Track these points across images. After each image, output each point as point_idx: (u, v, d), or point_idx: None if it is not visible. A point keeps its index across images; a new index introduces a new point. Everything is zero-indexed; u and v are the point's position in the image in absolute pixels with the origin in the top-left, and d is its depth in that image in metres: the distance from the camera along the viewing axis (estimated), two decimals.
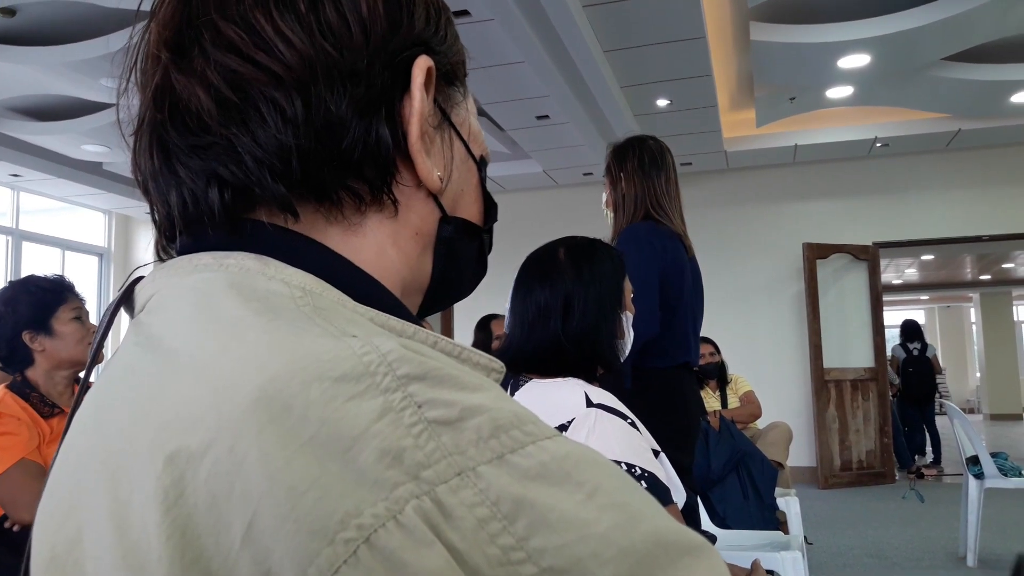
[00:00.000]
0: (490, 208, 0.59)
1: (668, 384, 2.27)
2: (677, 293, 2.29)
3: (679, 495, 1.42)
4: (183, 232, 0.49)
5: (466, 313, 6.66)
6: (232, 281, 0.43)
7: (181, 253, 0.48)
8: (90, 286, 8.73)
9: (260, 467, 0.32)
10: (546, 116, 6.06)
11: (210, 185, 0.46)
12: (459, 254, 0.56)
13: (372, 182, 0.48)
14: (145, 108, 0.49)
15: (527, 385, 1.47)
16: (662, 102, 6.08)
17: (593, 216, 7.18)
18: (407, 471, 0.32)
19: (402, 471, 0.32)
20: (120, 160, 7.16)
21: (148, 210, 0.51)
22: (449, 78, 0.54)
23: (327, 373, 0.34)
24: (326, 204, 0.48)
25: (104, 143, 6.60)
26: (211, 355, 0.37)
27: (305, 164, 0.46)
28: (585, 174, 7.77)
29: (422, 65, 0.50)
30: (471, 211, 0.57)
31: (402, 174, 0.50)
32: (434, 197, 0.52)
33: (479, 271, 0.60)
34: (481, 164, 0.58)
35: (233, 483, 0.32)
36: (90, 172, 7.35)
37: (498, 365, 0.45)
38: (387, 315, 0.44)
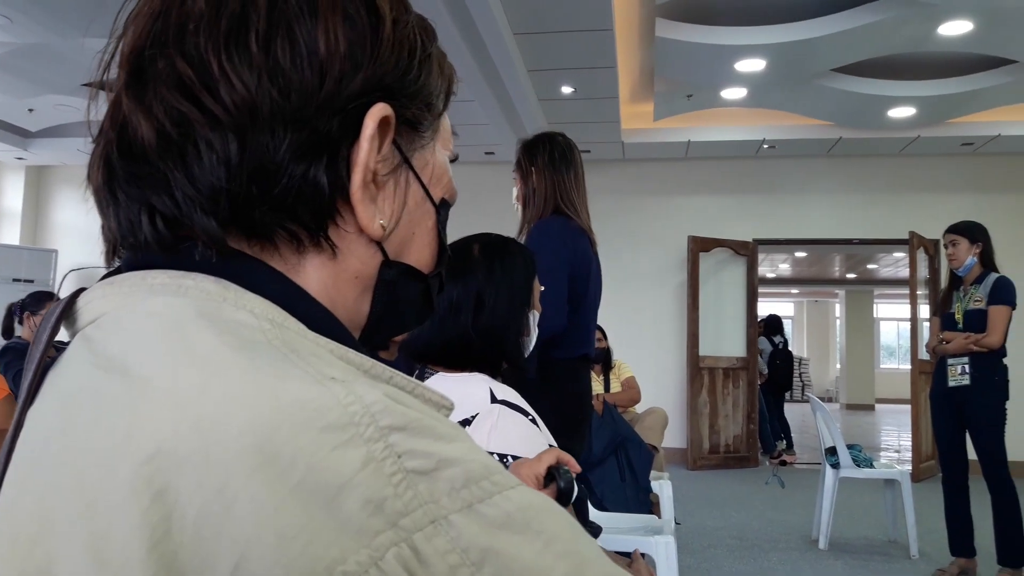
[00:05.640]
0: (443, 253, 0.58)
1: (569, 375, 2.34)
2: (583, 288, 2.36)
3: (573, 491, 1.48)
4: (128, 248, 0.48)
5: None
6: (200, 309, 0.42)
7: (129, 268, 0.47)
8: None
9: (250, 511, 0.33)
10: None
11: (143, 213, 0.46)
12: (399, 297, 0.55)
13: (308, 226, 0.48)
14: (105, 119, 0.48)
15: (433, 378, 1.49)
16: (567, 89, 6.16)
17: (492, 194, 7.20)
18: (387, 519, 0.34)
19: (383, 519, 0.34)
20: None
21: None
22: (414, 123, 0.53)
23: (314, 422, 0.36)
24: (263, 243, 0.47)
25: None
26: (193, 390, 0.37)
27: (235, 205, 0.45)
28: (487, 153, 7.78)
29: (376, 115, 0.48)
30: (421, 255, 0.56)
31: (344, 218, 0.49)
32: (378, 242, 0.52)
33: (424, 311, 0.59)
34: (442, 207, 0.57)
35: (222, 525, 0.33)
36: None
37: (448, 403, 0.47)
38: (345, 348, 0.44)
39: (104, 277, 0.48)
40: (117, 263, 0.50)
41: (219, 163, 0.45)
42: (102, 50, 0.49)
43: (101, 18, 0.50)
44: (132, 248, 0.47)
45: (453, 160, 0.61)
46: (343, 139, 0.47)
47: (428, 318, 0.60)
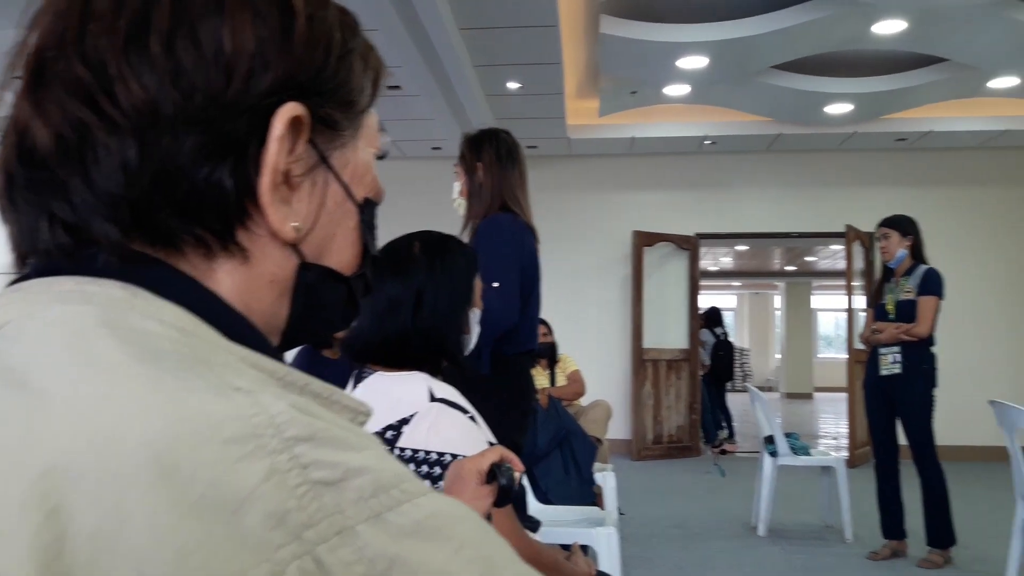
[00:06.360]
0: (366, 253, 0.57)
1: (516, 370, 2.39)
2: (531, 283, 2.40)
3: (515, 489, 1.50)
4: (33, 255, 0.47)
5: None
6: (104, 318, 0.40)
7: (38, 273, 0.45)
8: None
9: (146, 527, 0.32)
10: (397, 87, 6.01)
11: (42, 220, 0.45)
12: (320, 299, 0.54)
13: (215, 231, 0.46)
14: (8, 122, 0.46)
15: (371, 377, 1.48)
16: (512, 85, 6.18)
17: (439, 190, 7.16)
18: (290, 532, 0.34)
19: (285, 532, 0.34)
20: None
21: None
22: (331, 121, 0.51)
23: (216, 435, 0.35)
24: (169, 249, 0.46)
25: None
26: (91, 403, 0.36)
27: (136, 210, 0.44)
28: (434, 148, 7.76)
29: (284, 115, 0.47)
30: (342, 256, 0.54)
31: (256, 221, 0.47)
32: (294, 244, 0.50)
33: (349, 313, 0.57)
34: (366, 206, 0.56)
35: (118, 542, 0.32)
36: None
37: (365, 409, 0.46)
38: (259, 355, 0.43)
39: (12, 283, 0.46)
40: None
41: (117, 168, 0.43)
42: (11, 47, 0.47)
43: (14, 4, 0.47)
44: (36, 255, 0.46)
45: (381, 157, 0.59)
46: (251, 140, 0.46)
47: (354, 319, 0.59)
